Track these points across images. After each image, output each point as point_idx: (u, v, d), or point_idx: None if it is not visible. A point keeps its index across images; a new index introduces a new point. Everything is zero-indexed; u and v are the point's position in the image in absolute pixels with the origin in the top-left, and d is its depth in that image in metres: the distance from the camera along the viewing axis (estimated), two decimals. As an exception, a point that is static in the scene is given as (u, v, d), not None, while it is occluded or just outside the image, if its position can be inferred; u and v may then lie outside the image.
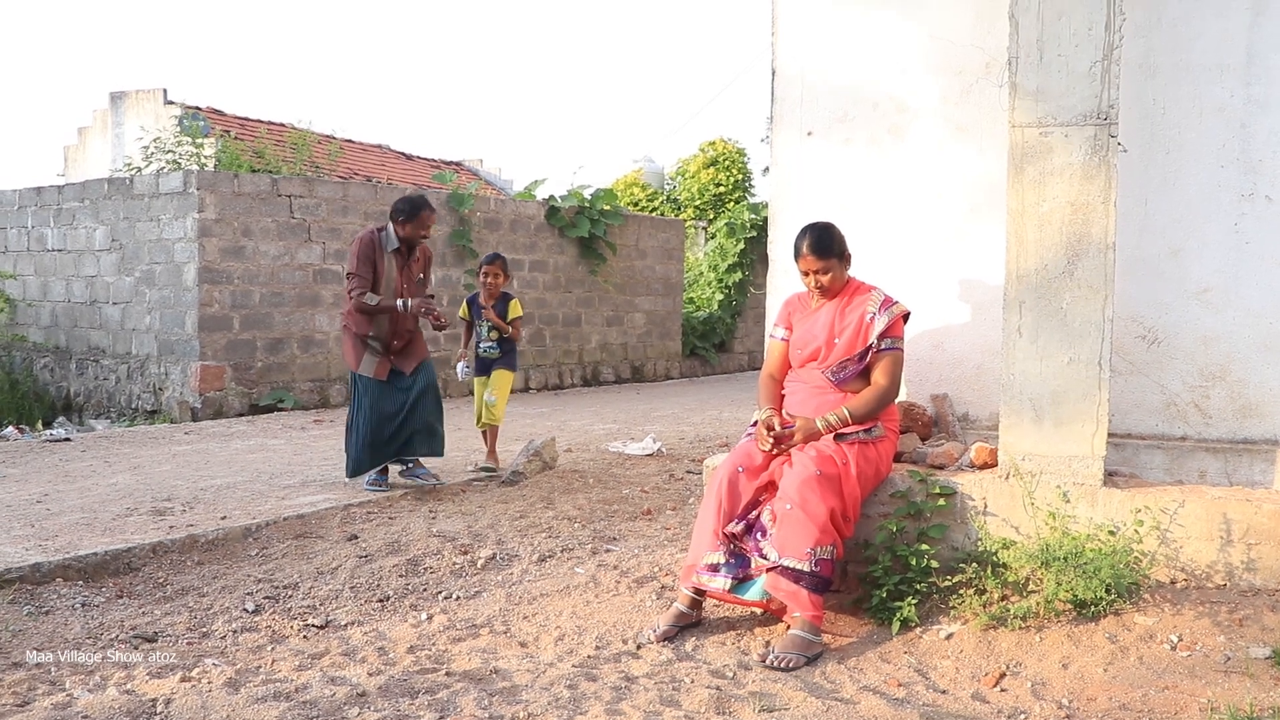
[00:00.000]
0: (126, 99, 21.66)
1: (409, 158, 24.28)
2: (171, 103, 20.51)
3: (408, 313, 6.35)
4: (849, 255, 4.31)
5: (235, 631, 4.10)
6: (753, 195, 26.55)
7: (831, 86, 5.07)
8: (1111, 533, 3.90)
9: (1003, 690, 3.47)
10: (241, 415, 10.59)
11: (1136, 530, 3.87)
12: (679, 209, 26.28)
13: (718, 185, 26.28)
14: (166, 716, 3.18)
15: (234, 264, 10.71)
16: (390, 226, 6.36)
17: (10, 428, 10.36)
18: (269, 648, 3.91)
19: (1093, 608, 3.80)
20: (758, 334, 18.13)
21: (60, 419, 11.27)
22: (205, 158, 14.11)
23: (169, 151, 14.09)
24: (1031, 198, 4.06)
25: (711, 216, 24.84)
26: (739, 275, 17.95)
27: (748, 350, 18.47)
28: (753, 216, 17.80)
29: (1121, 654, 3.59)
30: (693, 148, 28.04)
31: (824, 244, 4.20)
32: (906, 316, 4.30)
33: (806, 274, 4.27)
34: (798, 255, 4.25)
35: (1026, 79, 4.05)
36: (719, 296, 18.02)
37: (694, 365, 17.28)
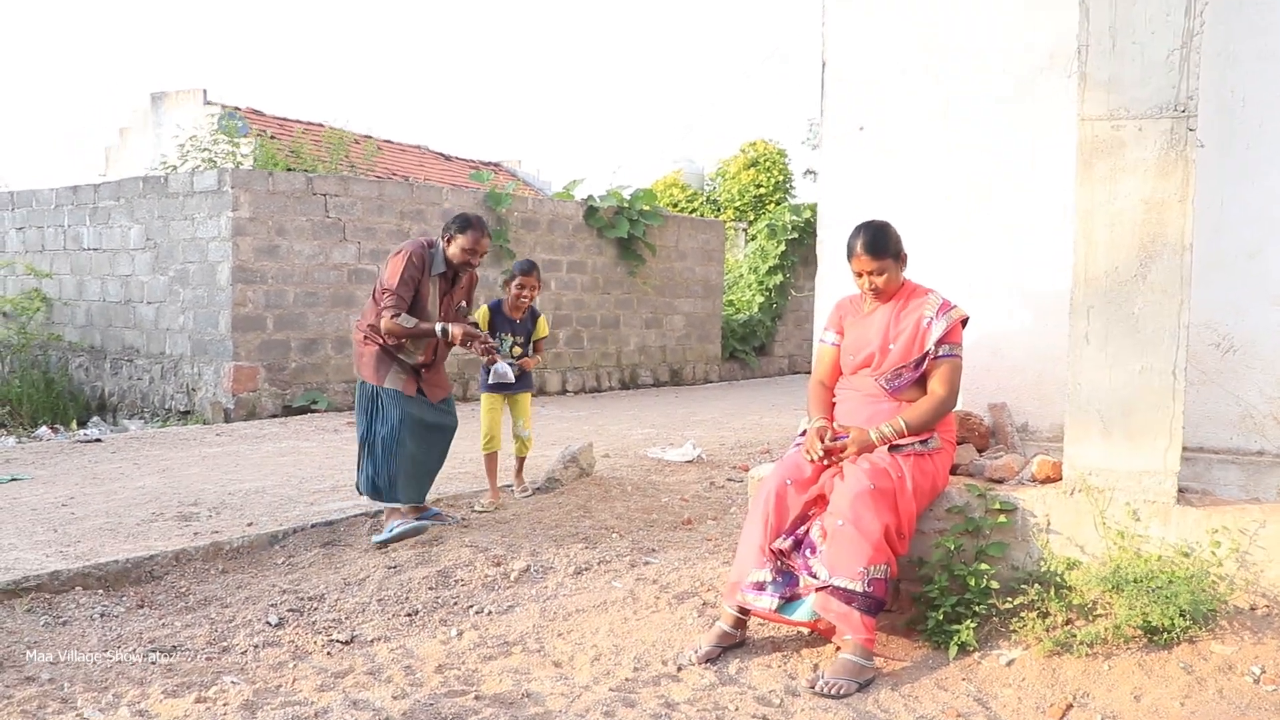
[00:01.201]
0: (167, 99, 21.77)
1: (447, 158, 24.22)
2: (211, 103, 20.56)
3: (447, 340, 5.47)
4: (905, 256, 4.07)
5: (256, 646, 3.92)
6: (793, 196, 26.24)
7: (883, 79, 4.83)
8: (1186, 554, 3.64)
9: (1071, 724, 3.23)
10: (274, 416, 10.48)
11: (1214, 552, 3.61)
12: (719, 210, 26.03)
13: (758, 186, 25.98)
14: (178, 741, 3.01)
15: (268, 263, 10.60)
16: (440, 244, 5.57)
17: (44, 427, 10.32)
18: (290, 664, 3.73)
19: (1165, 635, 3.54)
20: (798, 337, 17.87)
21: (94, 419, 11.22)
22: (243, 157, 14.05)
23: (204, 150, 14.05)
24: (1101, 195, 3.80)
25: (752, 218, 24.57)
26: (779, 277, 17.69)
27: (788, 354, 18.18)
28: (793, 218, 17.56)
29: (1199, 686, 3.33)
30: (733, 148, 27.72)
31: (880, 243, 3.96)
32: (965, 321, 4.05)
33: (860, 275, 4.03)
34: (851, 255, 4.01)
35: (1097, 69, 3.79)
36: (759, 299, 17.75)
37: (733, 368, 17.02)
